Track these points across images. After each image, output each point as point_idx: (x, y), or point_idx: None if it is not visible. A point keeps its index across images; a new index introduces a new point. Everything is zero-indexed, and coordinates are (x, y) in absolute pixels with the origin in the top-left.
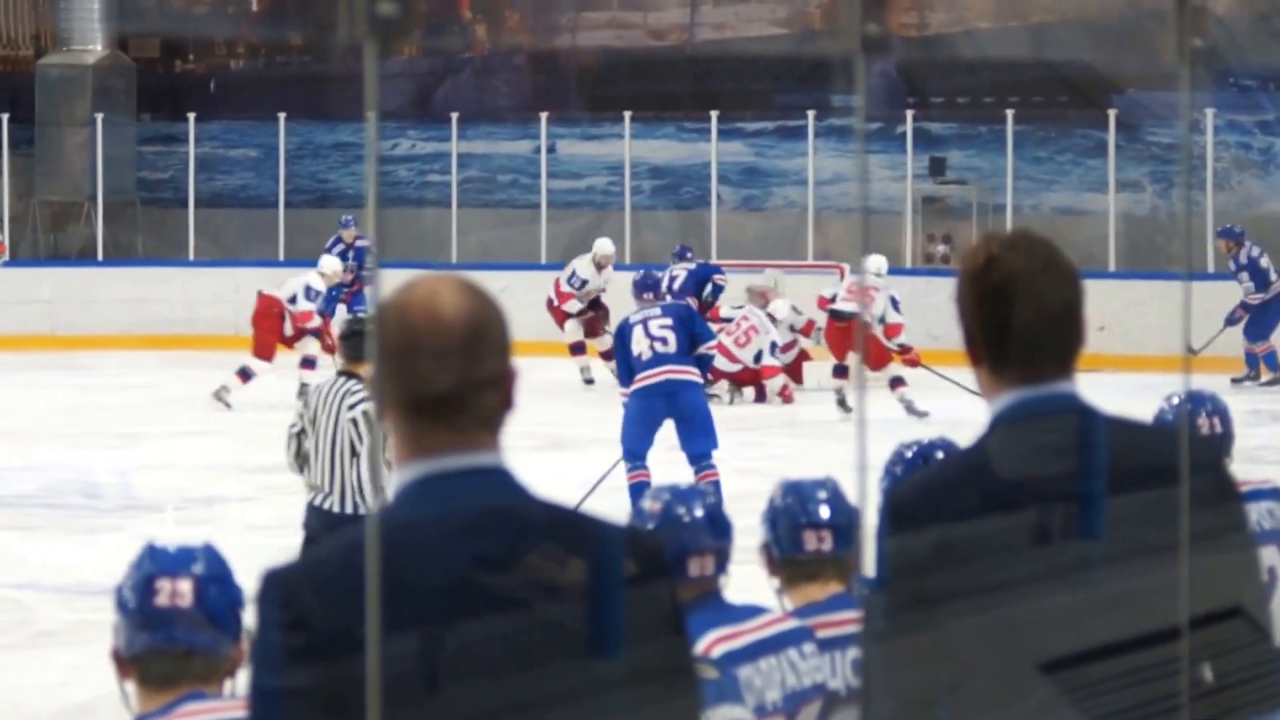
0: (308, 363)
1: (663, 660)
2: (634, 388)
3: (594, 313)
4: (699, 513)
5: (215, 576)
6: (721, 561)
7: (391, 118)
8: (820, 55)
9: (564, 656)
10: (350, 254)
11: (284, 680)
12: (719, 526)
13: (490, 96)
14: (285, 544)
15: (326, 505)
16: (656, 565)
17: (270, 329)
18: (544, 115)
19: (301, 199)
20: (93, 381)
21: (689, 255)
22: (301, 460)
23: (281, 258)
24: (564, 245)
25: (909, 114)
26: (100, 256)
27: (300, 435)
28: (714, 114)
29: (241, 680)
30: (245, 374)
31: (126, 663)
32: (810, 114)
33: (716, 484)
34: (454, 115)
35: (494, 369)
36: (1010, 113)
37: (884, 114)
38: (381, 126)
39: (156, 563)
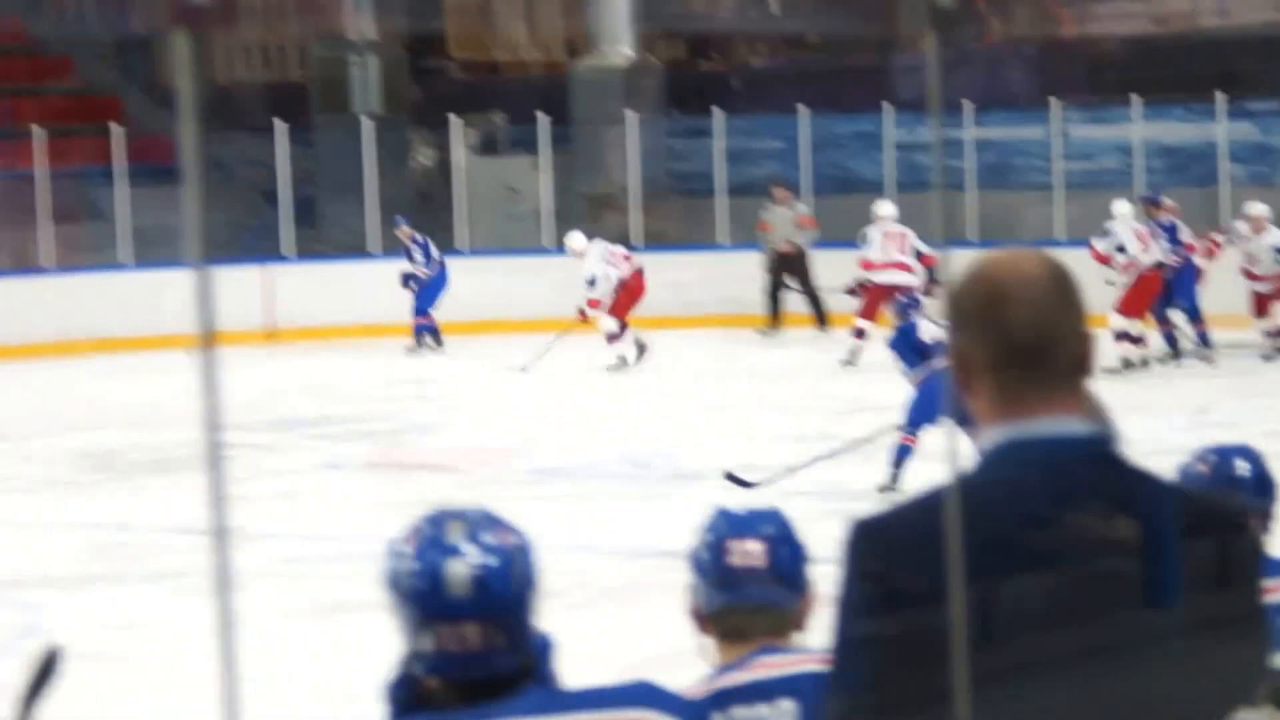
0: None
1: (1232, 612)
2: (935, 368)
3: None
4: (1247, 472)
5: (783, 537)
6: (1266, 521)
7: (909, 107)
8: None
9: (1127, 608)
10: (416, 251)
11: (867, 628)
12: (1266, 486)
13: (1003, 84)
14: (821, 509)
15: None
16: (1233, 523)
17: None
18: (1056, 101)
19: (825, 186)
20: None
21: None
22: None
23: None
24: (1076, 223)
25: None
26: (640, 243)
27: None
28: (1221, 95)
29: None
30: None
31: (705, 619)
32: None
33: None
34: (968, 103)
35: (1077, 324)
36: None
37: None
38: (901, 115)
39: (730, 526)
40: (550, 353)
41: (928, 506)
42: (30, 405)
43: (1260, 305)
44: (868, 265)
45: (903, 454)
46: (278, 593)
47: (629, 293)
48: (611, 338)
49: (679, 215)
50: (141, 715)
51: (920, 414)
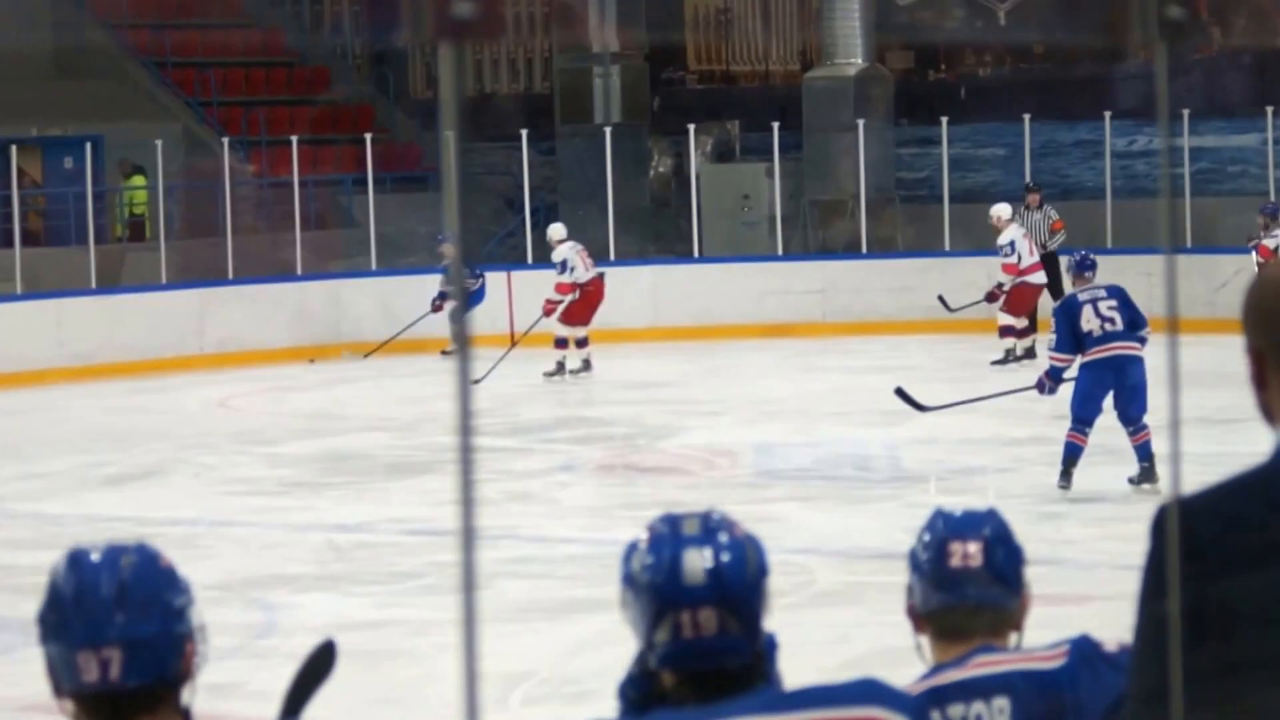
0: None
1: None
2: (1087, 361)
3: None
4: None
5: (1001, 538)
6: None
7: (1129, 115)
8: None
9: None
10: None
11: (1165, 604)
12: None
13: (1219, 93)
14: (1033, 511)
15: None
16: None
17: None
18: (1270, 109)
19: (1047, 193)
20: (862, 364)
21: None
22: None
23: None
24: None
25: None
26: (864, 249)
27: None
28: None
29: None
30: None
31: (922, 619)
32: None
33: (1148, 442)
34: (1185, 112)
35: None
36: None
37: None
38: (1121, 124)
39: (948, 527)
40: (503, 363)
41: (1243, 483)
42: (277, 409)
43: None
44: (1013, 270)
45: (1073, 452)
46: (513, 592)
47: (586, 299)
48: (561, 343)
49: (905, 222)
50: (383, 715)
51: (1084, 409)
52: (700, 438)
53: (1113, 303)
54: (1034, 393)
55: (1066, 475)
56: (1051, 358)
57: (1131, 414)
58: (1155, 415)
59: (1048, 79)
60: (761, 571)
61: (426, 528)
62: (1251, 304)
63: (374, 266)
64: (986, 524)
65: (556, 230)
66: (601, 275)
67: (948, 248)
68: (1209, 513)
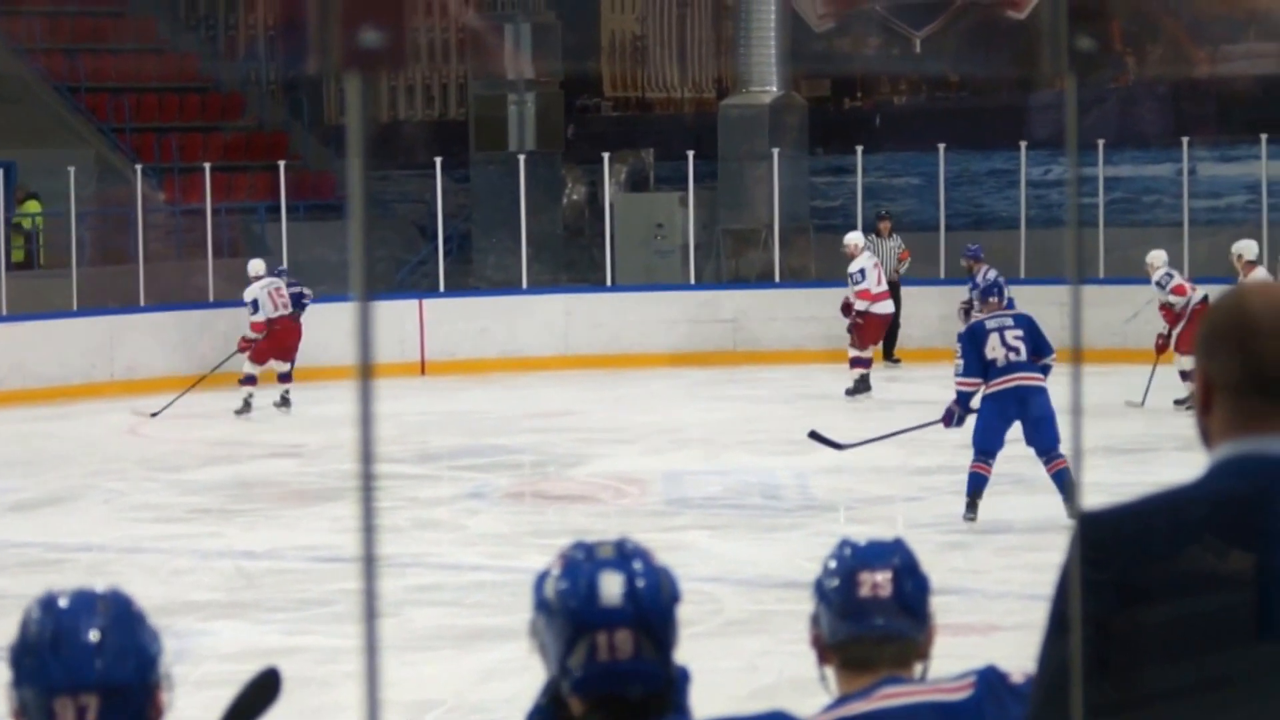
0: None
1: None
2: (990, 392)
3: None
4: None
5: (909, 568)
6: None
7: (1044, 145)
8: None
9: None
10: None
11: (1075, 613)
12: None
13: (1134, 123)
14: (940, 541)
15: None
16: None
17: None
18: (1185, 140)
19: (960, 222)
20: (772, 393)
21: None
22: None
23: (942, 275)
24: (1205, 260)
25: None
26: (777, 279)
27: None
28: None
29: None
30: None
31: (828, 649)
32: None
33: (1066, 470)
34: (1100, 142)
35: None
36: None
37: None
38: (1036, 153)
39: (857, 557)
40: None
41: (1163, 502)
42: (186, 436)
43: None
44: (866, 296)
45: (977, 483)
46: (420, 620)
47: (274, 338)
48: (248, 380)
49: (819, 251)
50: None
51: (987, 440)
52: (609, 466)
53: (1019, 332)
54: (943, 424)
55: (972, 507)
56: (959, 383)
57: (1044, 445)
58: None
59: (963, 108)
60: (674, 599)
61: (335, 555)
62: (1203, 330)
63: None
64: (895, 554)
65: (255, 265)
66: (295, 314)
67: None
68: (1121, 531)
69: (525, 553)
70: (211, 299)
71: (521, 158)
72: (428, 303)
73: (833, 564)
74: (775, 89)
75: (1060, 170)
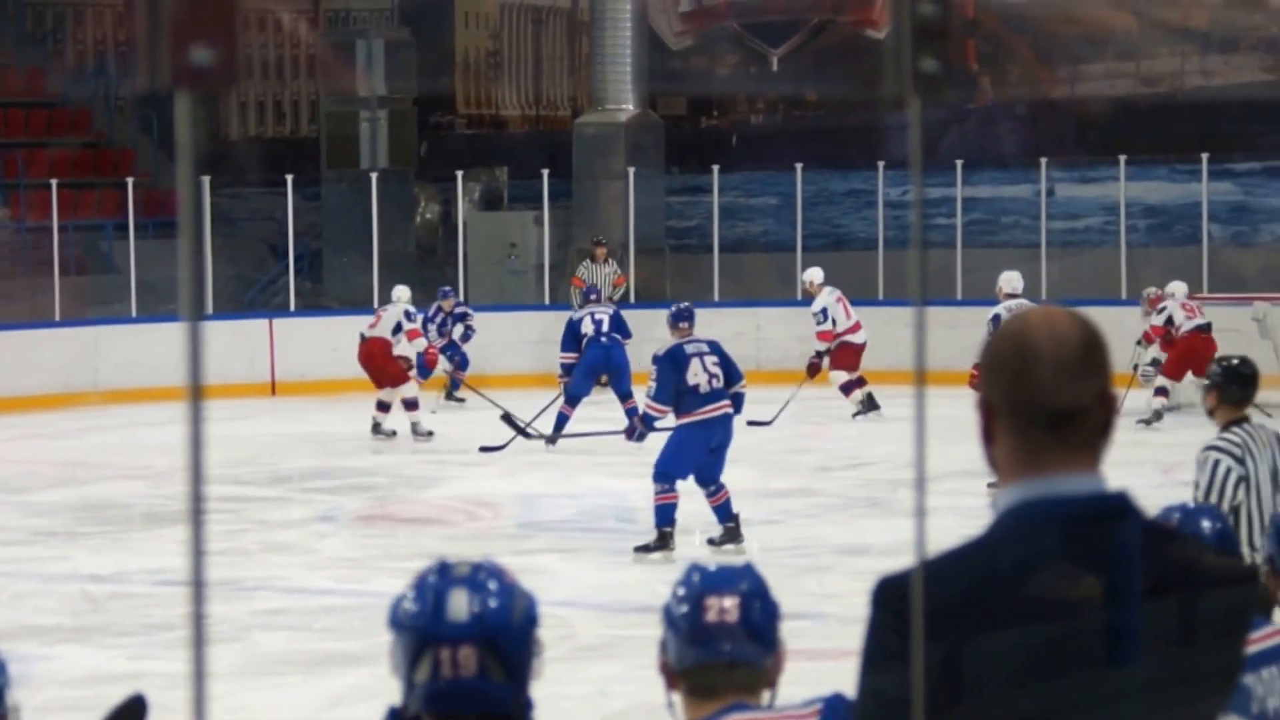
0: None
1: (1219, 668)
2: (691, 420)
3: None
4: (1210, 530)
5: (757, 593)
6: None
7: (902, 165)
8: None
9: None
10: (449, 321)
11: (890, 681)
12: (1228, 544)
13: (993, 144)
14: (796, 564)
15: None
16: (1243, 579)
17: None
18: (1044, 160)
19: (817, 243)
20: (624, 414)
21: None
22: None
23: (799, 297)
24: (1062, 282)
25: None
26: (632, 299)
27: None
28: (1205, 156)
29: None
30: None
31: (675, 675)
32: None
33: (728, 502)
34: (959, 162)
35: (1104, 388)
36: None
37: None
38: (893, 173)
39: (705, 582)
40: None
41: (950, 564)
42: (33, 457)
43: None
44: (827, 337)
45: (668, 511)
46: (268, 644)
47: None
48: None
49: (674, 271)
50: None
51: (676, 466)
52: (462, 489)
53: (715, 359)
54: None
55: (665, 537)
56: (649, 406)
57: (713, 475)
58: (905, 469)
59: (821, 127)
60: (529, 621)
61: (181, 578)
62: (986, 359)
63: (134, 314)
64: (743, 579)
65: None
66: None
67: (717, 298)
68: (932, 585)
69: (375, 576)
70: (58, 318)
71: (374, 175)
72: (278, 322)
73: (681, 589)
74: (631, 107)
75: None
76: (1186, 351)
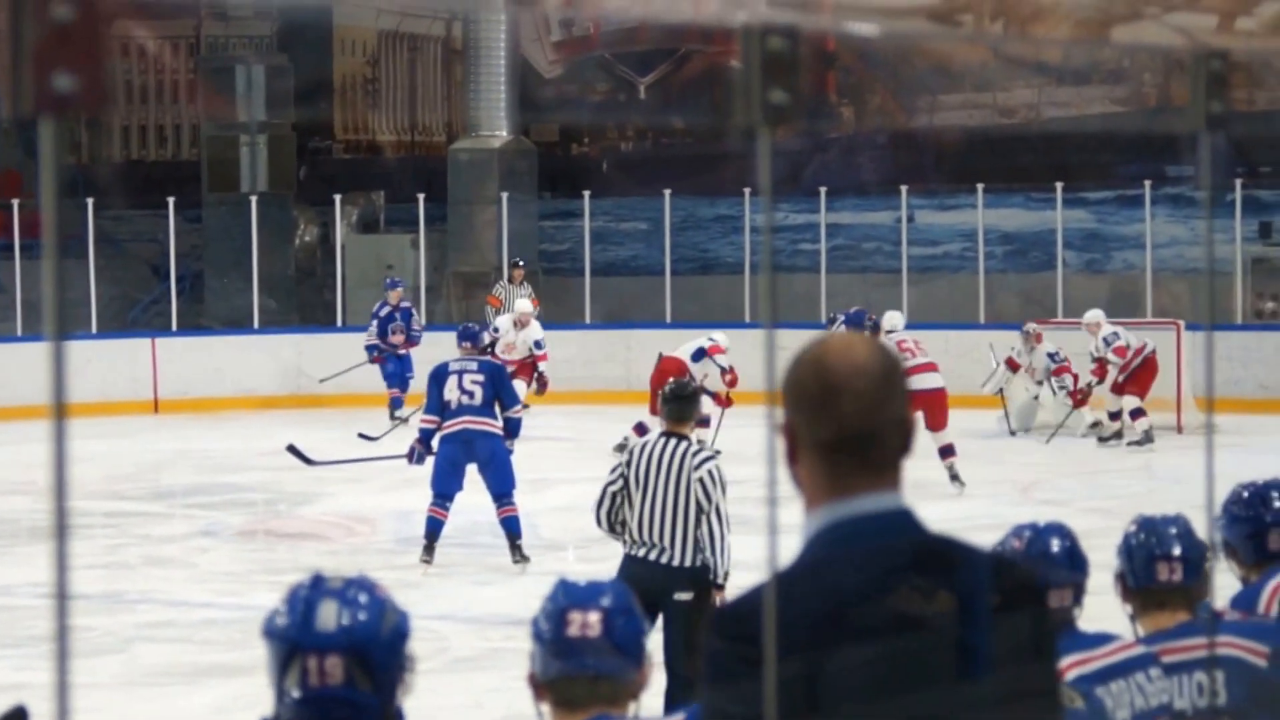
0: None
1: (1033, 684)
2: (441, 434)
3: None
4: (1059, 549)
5: (622, 609)
6: (1078, 595)
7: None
8: (1159, 130)
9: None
10: (397, 315)
11: (733, 705)
12: (1077, 562)
13: (855, 172)
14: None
15: (664, 560)
16: (1034, 594)
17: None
18: (904, 188)
19: (686, 267)
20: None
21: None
22: (617, 518)
23: (669, 320)
24: (921, 306)
25: (1238, 182)
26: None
27: (617, 494)
28: (1059, 185)
29: (644, 703)
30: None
31: (542, 687)
32: (1147, 184)
33: (516, 518)
34: (823, 189)
35: (903, 411)
36: None
37: (1216, 182)
38: (758, 200)
39: (569, 597)
40: None
41: (782, 586)
42: None
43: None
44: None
45: (434, 527)
46: (150, 656)
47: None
48: None
49: (546, 294)
50: None
51: (442, 483)
52: (341, 504)
53: (479, 378)
54: (427, 458)
55: (429, 550)
56: (422, 420)
57: (494, 490)
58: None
59: (689, 154)
60: (399, 635)
61: (70, 591)
62: (787, 385)
63: (19, 333)
64: (608, 594)
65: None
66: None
67: (588, 320)
68: (755, 612)
69: (255, 590)
70: None
71: (253, 199)
72: (160, 341)
73: (547, 604)
74: (505, 134)
75: (782, 216)
76: (1149, 366)
